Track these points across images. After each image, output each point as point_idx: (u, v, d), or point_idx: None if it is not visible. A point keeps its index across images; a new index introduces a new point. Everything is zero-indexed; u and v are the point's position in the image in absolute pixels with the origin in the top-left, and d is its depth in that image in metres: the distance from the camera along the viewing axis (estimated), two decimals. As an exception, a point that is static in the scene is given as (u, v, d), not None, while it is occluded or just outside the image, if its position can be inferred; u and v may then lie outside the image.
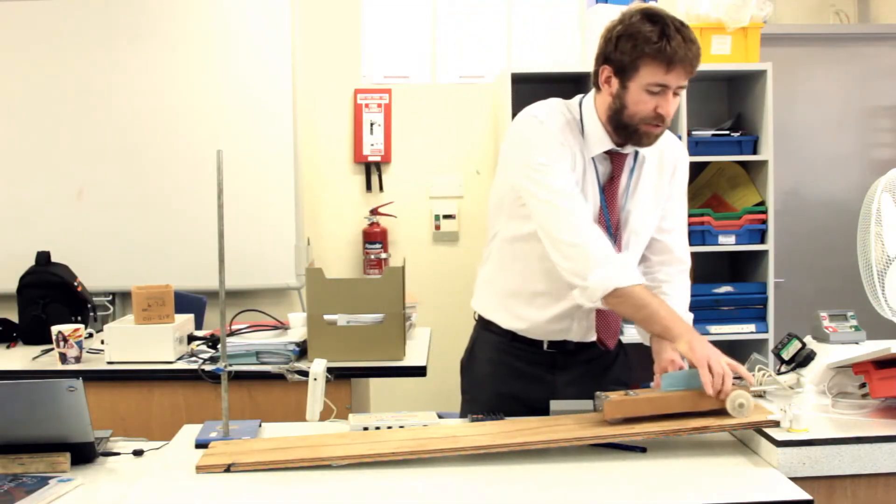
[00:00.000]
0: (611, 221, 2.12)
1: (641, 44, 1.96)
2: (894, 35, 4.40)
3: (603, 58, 2.05)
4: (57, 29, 4.05)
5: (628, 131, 2.05)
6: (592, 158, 2.11)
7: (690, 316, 2.24)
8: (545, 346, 2.22)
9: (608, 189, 2.12)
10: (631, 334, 2.44)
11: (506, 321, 2.24)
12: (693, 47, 1.97)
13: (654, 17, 1.98)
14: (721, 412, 1.89)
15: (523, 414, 2.11)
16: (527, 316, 2.20)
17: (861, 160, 4.45)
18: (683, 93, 2.11)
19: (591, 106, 2.12)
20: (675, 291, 2.23)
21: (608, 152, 2.11)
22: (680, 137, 3.74)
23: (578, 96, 2.17)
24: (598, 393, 2.00)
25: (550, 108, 2.13)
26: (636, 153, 2.15)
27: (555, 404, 2.08)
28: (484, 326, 2.30)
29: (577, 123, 2.12)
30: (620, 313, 2.11)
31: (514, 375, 2.23)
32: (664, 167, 2.19)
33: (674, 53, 1.94)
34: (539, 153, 2.05)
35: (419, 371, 2.78)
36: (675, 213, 2.24)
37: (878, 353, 1.98)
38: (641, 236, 2.18)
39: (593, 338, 2.21)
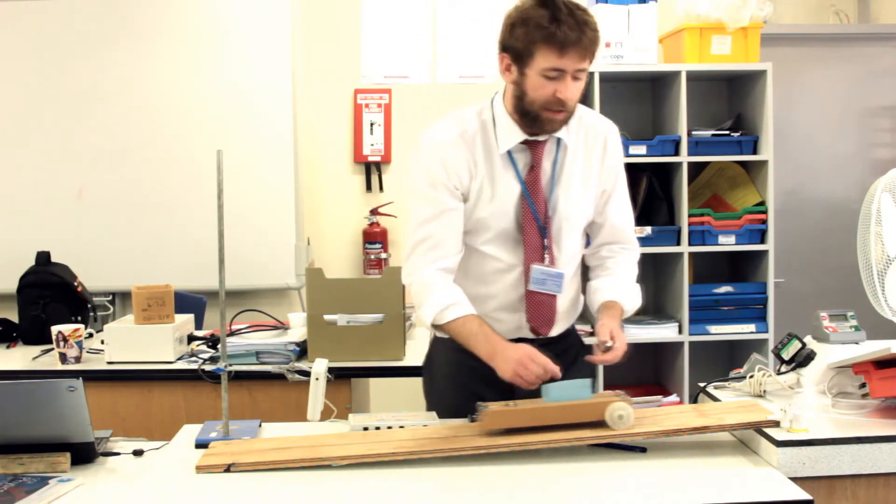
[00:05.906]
0: (537, 211, 2.12)
1: (533, 29, 1.97)
2: (894, 35, 4.40)
3: (501, 46, 2.06)
4: (57, 29, 4.05)
5: (530, 118, 2.06)
6: (509, 152, 2.11)
7: (637, 289, 2.25)
8: None
9: (529, 179, 2.12)
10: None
11: None
12: (587, 30, 1.95)
13: (546, 2, 1.98)
14: (601, 423, 1.88)
15: None
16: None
17: (861, 160, 4.45)
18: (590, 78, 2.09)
19: (501, 100, 2.13)
20: (617, 267, 2.26)
21: (525, 142, 2.11)
22: (680, 137, 3.74)
23: (495, 92, 2.17)
24: (479, 403, 1.98)
25: (447, 124, 2.15)
26: (559, 140, 2.14)
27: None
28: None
29: (486, 124, 2.12)
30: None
31: (473, 375, 2.20)
32: (593, 148, 2.18)
33: (565, 37, 1.94)
34: (417, 179, 2.14)
35: (419, 371, 2.77)
36: (613, 191, 2.22)
37: (878, 353, 1.97)
38: (573, 221, 2.17)
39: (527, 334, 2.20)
